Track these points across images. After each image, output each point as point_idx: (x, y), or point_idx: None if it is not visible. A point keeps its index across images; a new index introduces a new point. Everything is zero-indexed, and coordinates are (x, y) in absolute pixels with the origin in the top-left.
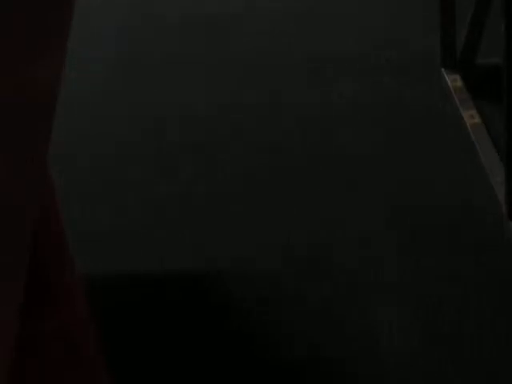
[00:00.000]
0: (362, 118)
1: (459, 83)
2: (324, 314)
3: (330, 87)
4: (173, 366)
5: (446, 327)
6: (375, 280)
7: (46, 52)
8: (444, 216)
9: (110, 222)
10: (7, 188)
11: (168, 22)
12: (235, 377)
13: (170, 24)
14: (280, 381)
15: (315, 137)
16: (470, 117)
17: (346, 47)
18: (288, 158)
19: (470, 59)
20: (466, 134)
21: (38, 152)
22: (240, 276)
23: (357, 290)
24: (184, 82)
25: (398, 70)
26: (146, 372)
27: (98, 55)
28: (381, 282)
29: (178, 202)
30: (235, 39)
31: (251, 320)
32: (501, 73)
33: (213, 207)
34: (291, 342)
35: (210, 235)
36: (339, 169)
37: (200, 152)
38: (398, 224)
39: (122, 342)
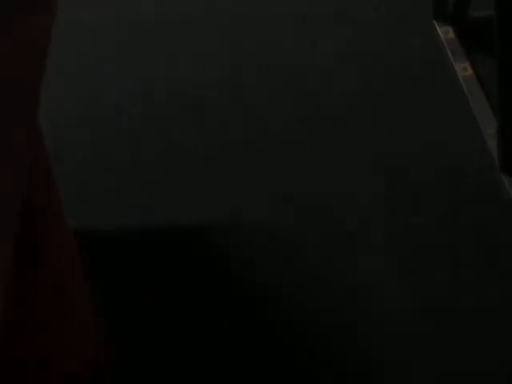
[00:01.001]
0: (354, 69)
1: (451, 35)
2: (315, 266)
3: (322, 39)
4: (167, 315)
5: (437, 278)
6: (363, 234)
7: (43, 5)
8: (436, 169)
9: (104, 177)
10: None
11: None
12: (230, 320)
13: None
14: (274, 328)
15: (305, 88)
16: (463, 69)
17: (338, 1)
18: (279, 110)
19: (462, 11)
20: (458, 86)
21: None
22: (232, 226)
23: (345, 240)
24: (178, 42)
25: (389, 23)
26: (140, 321)
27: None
28: (368, 235)
29: (172, 157)
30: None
31: (241, 268)
32: (493, 25)
33: (203, 160)
34: (281, 290)
35: (203, 188)
36: (330, 120)
37: (190, 107)
38: (388, 176)
39: (117, 293)
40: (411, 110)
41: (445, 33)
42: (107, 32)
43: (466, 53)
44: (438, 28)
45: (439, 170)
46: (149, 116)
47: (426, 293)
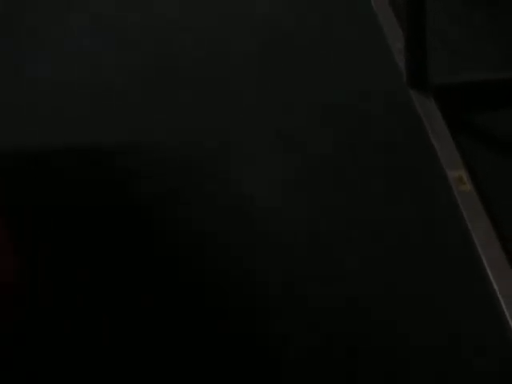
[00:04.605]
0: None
1: None
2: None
3: None
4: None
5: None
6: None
7: None
8: (345, 85)
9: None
10: None
11: None
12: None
13: None
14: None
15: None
16: None
17: None
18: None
19: None
20: (366, 2)
21: None
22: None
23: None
24: None
25: None
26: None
27: None
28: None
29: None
30: None
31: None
32: None
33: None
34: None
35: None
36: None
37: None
38: (291, 96)
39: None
40: (319, 30)
41: None
42: None
43: None
44: None
45: (346, 86)
46: None
47: (327, 203)
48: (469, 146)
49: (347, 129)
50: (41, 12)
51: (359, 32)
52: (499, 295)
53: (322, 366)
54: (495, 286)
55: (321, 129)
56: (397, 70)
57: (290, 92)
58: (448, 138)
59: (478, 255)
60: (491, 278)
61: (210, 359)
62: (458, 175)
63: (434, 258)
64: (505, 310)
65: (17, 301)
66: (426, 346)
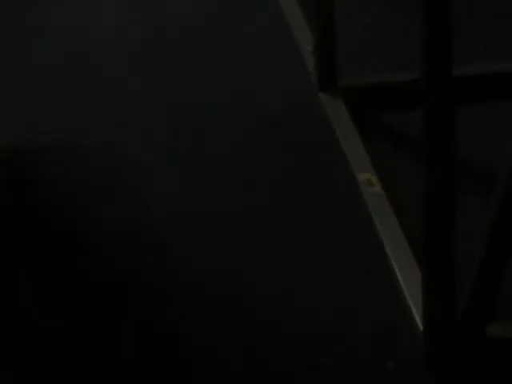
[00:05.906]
0: None
1: None
2: None
3: None
4: None
5: None
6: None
7: None
8: (253, 87)
9: None
10: None
11: None
12: None
13: None
14: None
15: None
16: None
17: None
18: None
19: None
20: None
21: None
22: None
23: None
24: None
25: None
26: None
27: None
28: None
29: None
30: None
31: None
32: None
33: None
34: None
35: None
36: None
37: None
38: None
39: None
40: (227, 29)
41: None
42: None
43: None
44: None
45: (256, 89)
46: None
47: None
48: (378, 148)
49: (253, 130)
50: None
51: (268, 34)
52: (403, 286)
53: None
54: (402, 284)
55: (222, 129)
56: (306, 72)
57: (194, 93)
58: (357, 139)
59: (386, 255)
60: (400, 278)
61: None
62: (366, 177)
63: (343, 258)
64: (408, 300)
65: None
66: (325, 333)
